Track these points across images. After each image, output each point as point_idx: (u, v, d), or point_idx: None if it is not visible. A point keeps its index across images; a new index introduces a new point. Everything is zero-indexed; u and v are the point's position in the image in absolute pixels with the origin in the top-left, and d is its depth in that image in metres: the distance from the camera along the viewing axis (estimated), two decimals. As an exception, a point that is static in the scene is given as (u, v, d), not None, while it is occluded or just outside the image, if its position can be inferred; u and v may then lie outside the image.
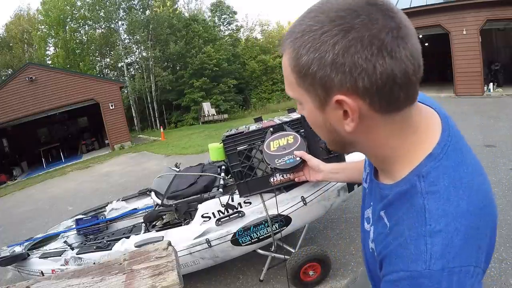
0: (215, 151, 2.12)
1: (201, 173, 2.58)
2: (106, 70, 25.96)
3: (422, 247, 0.47)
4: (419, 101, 0.57)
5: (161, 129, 16.42)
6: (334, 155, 1.89)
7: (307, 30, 0.46)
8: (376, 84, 0.44)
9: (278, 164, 1.39)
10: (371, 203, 0.64)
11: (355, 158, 2.13)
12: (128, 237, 2.37)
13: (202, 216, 2.13)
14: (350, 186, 2.15)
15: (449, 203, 0.48)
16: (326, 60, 0.45)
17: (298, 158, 1.31)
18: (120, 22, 23.42)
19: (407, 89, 0.47)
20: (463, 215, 0.48)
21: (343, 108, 0.48)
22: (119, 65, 24.79)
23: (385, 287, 0.52)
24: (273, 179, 1.87)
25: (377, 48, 0.43)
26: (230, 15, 29.08)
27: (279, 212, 2.00)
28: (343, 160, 1.92)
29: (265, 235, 2.09)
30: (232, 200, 2.06)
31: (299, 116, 1.82)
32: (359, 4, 0.44)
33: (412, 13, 10.14)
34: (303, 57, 0.47)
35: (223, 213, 2.08)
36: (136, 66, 24.96)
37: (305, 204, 2.04)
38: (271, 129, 1.70)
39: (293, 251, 2.30)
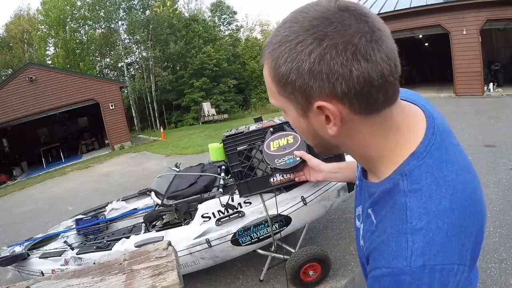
0: (215, 151, 2.12)
1: (201, 173, 2.58)
2: (106, 70, 25.95)
3: (403, 244, 0.48)
4: (404, 99, 0.58)
5: (161, 129, 16.41)
6: (334, 155, 1.89)
7: (283, 41, 0.47)
8: (353, 88, 0.45)
9: (278, 164, 1.39)
10: (361, 201, 0.65)
11: (355, 158, 2.14)
12: (128, 237, 2.37)
13: (202, 216, 2.13)
14: (350, 186, 2.15)
15: (431, 201, 0.49)
16: (303, 69, 0.46)
17: (298, 158, 1.31)
18: (120, 22, 23.42)
19: (385, 90, 0.47)
20: (445, 213, 0.48)
21: (324, 113, 0.49)
22: (119, 65, 24.79)
23: (369, 283, 0.53)
24: (273, 179, 1.87)
25: (351, 53, 0.44)
26: (230, 15, 29.08)
27: (279, 212, 2.00)
28: (343, 160, 1.92)
29: (265, 235, 2.09)
30: (232, 200, 2.06)
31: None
32: (332, 12, 0.45)
33: (412, 13, 10.15)
34: (282, 67, 0.48)
35: (223, 213, 2.08)
36: (136, 66, 24.96)
37: (305, 204, 2.04)
38: (271, 129, 1.71)
39: (293, 251, 2.30)
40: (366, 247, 0.57)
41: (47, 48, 24.07)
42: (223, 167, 2.64)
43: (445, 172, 0.51)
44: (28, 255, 2.69)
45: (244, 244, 2.10)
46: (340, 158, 1.89)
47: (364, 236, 0.59)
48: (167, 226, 2.44)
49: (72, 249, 2.57)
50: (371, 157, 0.56)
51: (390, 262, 0.49)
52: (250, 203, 2.06)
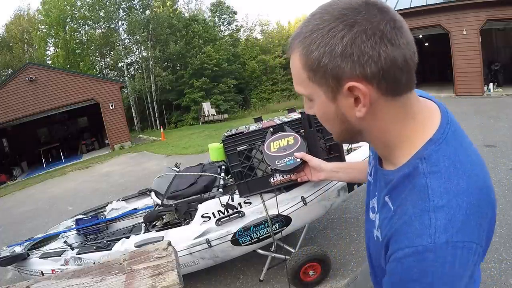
0: (215, 151, 2.12)
1: (201, 173, 2.58)
2: (106, 70, 25.94)
3: (427, 221, 0.50)
4: (419, 95, 0.61)
5: (161, 129, 16.41)
6: (334, 155, 1.89)
7: (315, 29, 0.52)
8: (381, 69, 0.50)
9: (278, 166, 1.40)
10: (376, 193, 0.67)
11: (355, 158, 2.14)
12: (128, 237, 2.37)
13: (202, 216, 2.13)
14: (350, 186, 2.15)
15: (450, 181, 0.51)
16: (336, 52, 0.50)
17: (298, 160, 1.31)
18: (120, 22, 23.41)
19: (406, 73, 0.52)
20: (464, 192, 0.51)
21: (354, 95, 0.53)
22: (119, 65, 24.78)
23: (391, 267, 0.54)
24: (273, 179, 1.87)
25: (379, 37, 0.49)
26: (230, 15, 29.07)
27: (279, 212, 2.00)
28: (343, 160, 1.92)
29: (265, 235, 2.09)
30: (232, 200, 2.06)
31: (299, 116, 1.82)
32: (358, 3, 0.51)
33: (412, 13, 10.15)
34: (314, 52, 0.52)
35: (223, 213, 2.08)
36: (136, 66, 24.95)
37: (305, 204, 2.04)
38: (271, 129, 1.70)
39: (293, 251, 2.30)
40: (384, 234, 0.58)
41: (47, 48, 24.06)
42: (223, 167, 2.64)
43: (461, 157, 0.54)
44: (28, 255, 2.69)
45: (244, 244, 2.10)
46: (340, 158, 1.89)
47: (381, 225, 0.61)
48: (167, 226, 2.44)
49: (72, 249, 2.57)
50: (390, 143, 0.59)
51: (413, 241, 0.50)
52: (250, 203, 2.06)
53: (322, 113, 0.60)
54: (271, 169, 1.45)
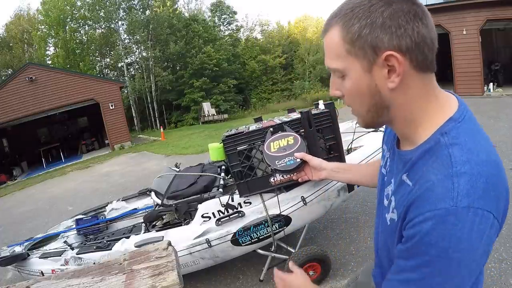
0: (215, 151, 2.12)
1: (201, 173, 2.57)
2: (106, 70, 25.94)
3: (450, 186, 0.52)
4: None
5: (161, 129, 16.42)
6: (334, 155, 1.89)
7: (357, 6, 0.57)
8: (414, 42, 0.55)
9: (278, 166, 1.40)
10: (392, 180, 0.70)
11: (355, 158, 2.14)
12: (128, 237, 2.37)
13: (202, 216, 2.13)
14: (350, 186, 2.15)
15: (471, 152, 0.55)
16: (377, 24, 0.55)
17: (298, 160, 1.31)
18: (120, 22, 23.42)
19: (432, 52, 0.58)
20: (484, 163, 0.54)
21: (388, 66, 0.57)
22: (119, 65, 24.78)
23: (407, 234, 0.56)
24: (274, 179, 1.87)
25: (413, 15, 0.55)
26: (230, 15, 29.08)
27: (280, 212, 2.00)
28: (343, 160, 1.92)
29: (265, 235, 2.08)
30: (232, 200, 2.06)
31: (299, 116, 1.82)
32: None
33: (412, 13, 10.12)
34: (355, 25, 0.57)
35: (223, 213, 2.08)
36: (136, 66, 24.95)
37: (305, 204, 2.04)
38: (271, 129, 1.70)
39: (293, 251, 2.30)
40: (402, 208, 0.60)
41: (47, 48, 24.06)
42: (223, 167, 2.64)
43: (478, 137, 0.58)
44: (28, 255, 2.69)
45: (244, 244, 2.10)
46: (340, 158, 1.89)
47: (397, 204, 0.63)
48: (167, 226, 2.44)
49: (72, 249, 2.57)
50: (414, 119, 0.62)
51: (436, 205, 0.52)
52: (250, 203, 2.06)
53: (355, 86, 0.62)
54: (271, 169, 1.46)
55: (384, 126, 0.77)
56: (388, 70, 0.57)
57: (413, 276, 0.57)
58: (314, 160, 1.23)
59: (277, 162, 1.41)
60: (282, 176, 1.81)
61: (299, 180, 1.40)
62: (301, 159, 1.30)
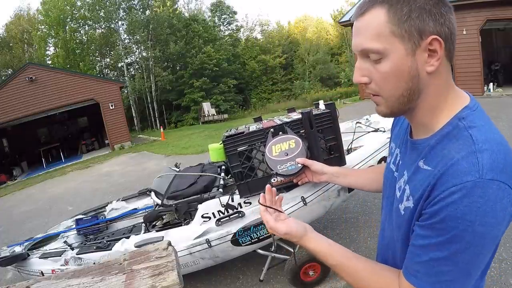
0: (215, 151, 2.12)
1: (201, 173, 2.57)
2: (106, 70, 25.95)
3: (474, 160, 0.54)
4: None
5: (161, 129, 16.41)
6: (334, 155, 1.89)
7: None
8: (450, 32, 0.59)
9: (280, 170, 1.42)
10: (404, 172, 0.70)
11: (355, 158, 2.14)
12: (128, 237, 2.37)
13: (202, 216, 2.13)
14: (349, 187, 2.15)
15: (488, 133, 0.59)
16: (425, 9, 0.58)
17: (299, 165, 1.33)
18: (120, 22, 23.43)
19: (455, 43, 0.62)
20: (501, 143, 0.57)
21: (430, 50, 0.60)
22: (119, 65, 24.79)
23: (432, 210, 0.57)
24: (274, 180, 1.87)
25: (449, 8, 0.60)
26: (230, 15, 29.09)
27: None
28: (343, 160, 1.92)
29: (265, 235, 2.08)
30: (232, 200, 2.06)
31: (300, 116, 1.81)
32: None
33: (412, 13, 10.13)
34: (404, 7, 0.58)
35: (223, 213, 2.08)
36: (136, 66, 24.96)
37: (305, 204, 2.04)
38: (272, 130, 1.70)
39: (293, 251, 2.30)
40: (421, 193, 0.61)
41: (47, 48, 24.08)
42: (223, 167, 2.64)
43: (491, 123, 0.62)
44: (28, 255, 2.69)
45: (244, 244, 2.10)
46: (340, 158, 1.89)
47: (413, 191, 0.64)
48: (167, 226, 2.44)
49: (72, 249, 2.57)
50: (437, 106, 0.65)
51: (462, 178, 0.54)
52: (250, 203, 2.06)
53: (395, 68, 0.62)
54: (272, 173, 1.48)
55: (386, 127, 0.78)
56: (427, 55, 0.60)
57: (439, 254, 0.57)
58: (315, 165, 1.25)
59: (279, 167, 1.43)
60: (283, 177, 1.82)
61: (299, 183, 1.41)
62: (302, 164, 1.32)
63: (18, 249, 2.85)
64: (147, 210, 2.88)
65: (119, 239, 2.39)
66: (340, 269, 0.75)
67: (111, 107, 13.52)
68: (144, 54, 23.67)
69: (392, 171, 0.78)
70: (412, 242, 0.62)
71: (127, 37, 24.21)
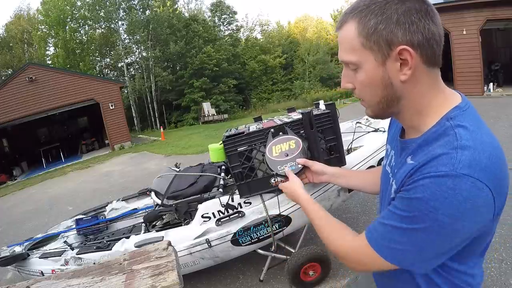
0: (215, 152, 2.12)
1: (201, 173, 2.57)
2: (106, 70, 25.95)
3: (453, 155, 0.55)
4: None
5: (161, 129, 16.41)
6: (335, 155, 1.89)
7: (372, 3, 0.60)
8: (425, 38, 0.59)
9: (280, 171, 1.42)
10: (395, 171, 0.73)
11: (355, 158, 2.14)
12: (128, 237, 2.36)
13: (202, 216, 2.13)
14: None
15: (475, 133, 0.58)
16: (392, 20, 0.58)
17: (300, 166, 1.34)
18: (120, 22, 23.43)
19: (440, 47, 0.62)
20: (488, 144, 0.57)
21: (401, 59, 0.60)
22: (119, 65, 24.79)
23: (405, 188, 0.60)
24: (274, 180, 1.87)
25: (424, 13, 0.59)
26: (230, 15, 29.08)
27: (280, 212, 2.00)
28: (343, 160, 1.92)
29: (265, 235, 2.08)
30: (232, 200, 2.06)
31: (300, 116, 1.81)
32: None
33: (412, 13, 10.11)
34: (371, 20, 0.60)
35: (223, 213, 2.08)
36: (136, 66, 24.96)
37: (305, 204, 2.03)
38: (272, 130, 1.70)
39: (293, 251, 2.30)
40: (400, 182, 0.64)
41: (47, 48, 24.07)
42: (223, 167, 2.63)
43: (482, 125, 0.62)
44: (28, 255, 2.69)
45: (244, 244, 2.10)
46: (340, 158, 1.89)
47: (397, 181, 0.67)
48: (167, 226, 2.44)
49: (72, 249, 2.57)
50: (423, 110, 0.65)
51: (437, 168, 0.56)
52: (250, 203, 2.06)
53: (369, 78, 0.64)
54: (272, 174, 1.48)
55: (386, 127, 0.79)
56: (400, 64, 0.61)
57: (398, 224, 0.61)
58: (316, 165, 1.26)
59: (279, 167, 1.43)
60: (283, 178, 1.81)
61: None
62: (302, 165, 1.33)
63: (18, 249, 2.85)
64: (147, 210, 2.88)
65: (119, 239, 2.39)
66: (315, 225, 0.94)
67: (111, 107, 13.52)
68: (144, 54, 23.67)
69: (387, 173, 0.79)
70: (387, 207, 0.67)
71: (127, 37, 24.21)
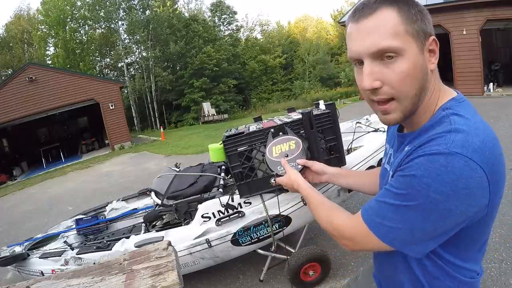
0: (215, 152, 2.11)
1: (201, 173, 2.57)
2: (106, 70, 25.94)
3: (447, 137, 0.58)
4: None
5: (161, 129, 16.41)
6: (335, 155, 1.89)
7: None
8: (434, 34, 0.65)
9: (281, 172, 1.42)
10: (395, 162, 0.74)
11: (355, 158, 2.14)
12: (128, 237, 2.36)
13: (202, 216, 2.13)
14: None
15: (469, 121, 0.61)
16: (423, 12, 0.65)
17: (299, 166, 1.34)
18: (120, 22, 23.43)
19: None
20: (481, 131, 0.59)
21: (431, 48, 0.65)
22: (119, 65, 24.79)
23: (401, 168, 0.63)
24: (274, 180, 1.87)
25: (430, 16, 0.66)
26: (230, 15, 29.08)
27: (280, 212, 2.00)
28: (343, 160, 1.92)
29: (265, 235, 2.08)
30: (232, 200, 2.06)
31: (300, 116, 1.81)
32: None
33: (412, 13, 10.11)
34: (412, 10, 0.63)
35: (223, 213, 2.08)
36: (136, 66, 24.96)
37: (305, 204, 2.03)
38: (272, 130, 1.70)
39: (293, 251, 2.30)
40: (397, 164, 0.67)
41: (47, 48, 24.07)
42: (223, 167, 2.63)
43: (476, 115, 0.64)
44: (28, 255, 2.69)
45: (244, 244, 2.10)
46: (340, 158, 1.89)
47: (393, 168, 0.71)
48: (167, 226, 2.44)
49: (72, 249, 2.57)
50: (432, 104, 0.68)
51: (431, 148, 0.58)
52: (250, 203, 2.06)
53: (413, 66, 0.63)
54: (272, 174, 1.48)
55: (386, 127, 0.84)
56: (429, 51, 0.65)
57: (392, 201, 0.63)
58: (316, 165, 1.26)
59: (279, 168, 1.43)
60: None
61: None
62: (302, 165, 1.33)
63: (18, 249, 2.85)
64: (147, 210, 2.88)
65: (119, 239, 2.39)
66: (313, 208, 0.95)
67: (111, 107, 13.51)
68: (144, 54, 23.67)
69: (386, 171, 0.80)
70: (384, 187, 0.69)
71: (127, 37, 24.21)
